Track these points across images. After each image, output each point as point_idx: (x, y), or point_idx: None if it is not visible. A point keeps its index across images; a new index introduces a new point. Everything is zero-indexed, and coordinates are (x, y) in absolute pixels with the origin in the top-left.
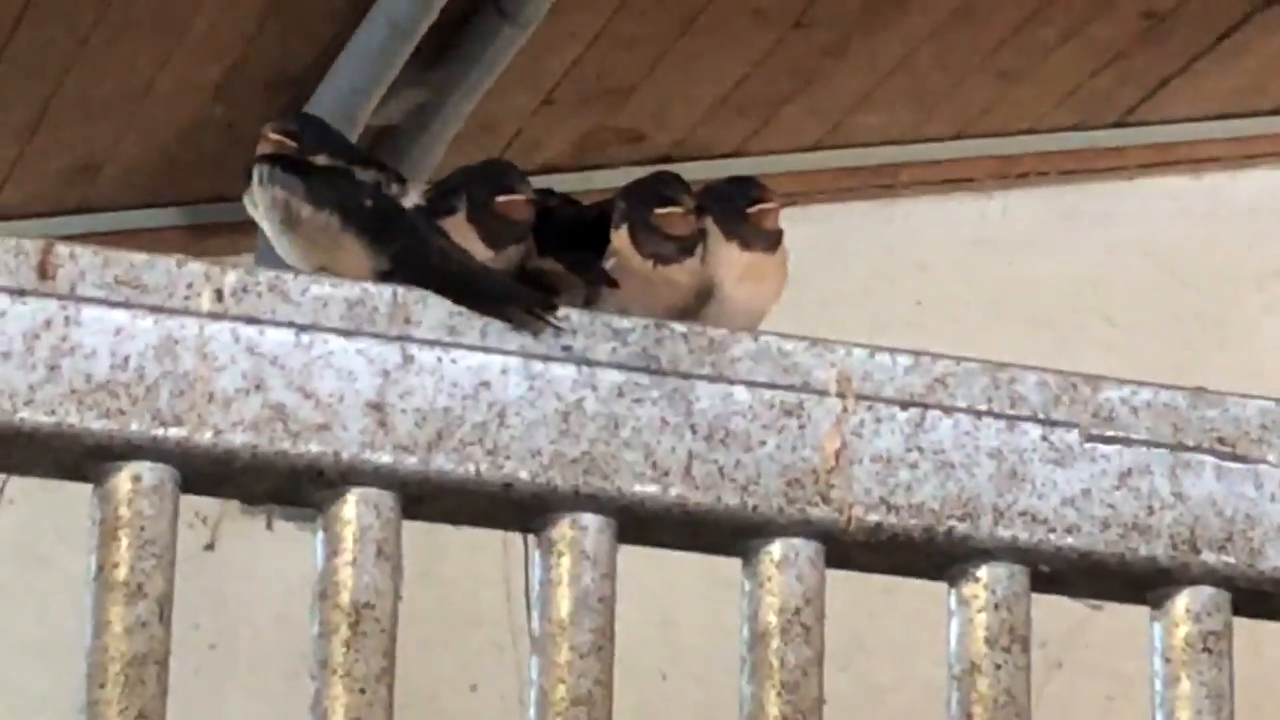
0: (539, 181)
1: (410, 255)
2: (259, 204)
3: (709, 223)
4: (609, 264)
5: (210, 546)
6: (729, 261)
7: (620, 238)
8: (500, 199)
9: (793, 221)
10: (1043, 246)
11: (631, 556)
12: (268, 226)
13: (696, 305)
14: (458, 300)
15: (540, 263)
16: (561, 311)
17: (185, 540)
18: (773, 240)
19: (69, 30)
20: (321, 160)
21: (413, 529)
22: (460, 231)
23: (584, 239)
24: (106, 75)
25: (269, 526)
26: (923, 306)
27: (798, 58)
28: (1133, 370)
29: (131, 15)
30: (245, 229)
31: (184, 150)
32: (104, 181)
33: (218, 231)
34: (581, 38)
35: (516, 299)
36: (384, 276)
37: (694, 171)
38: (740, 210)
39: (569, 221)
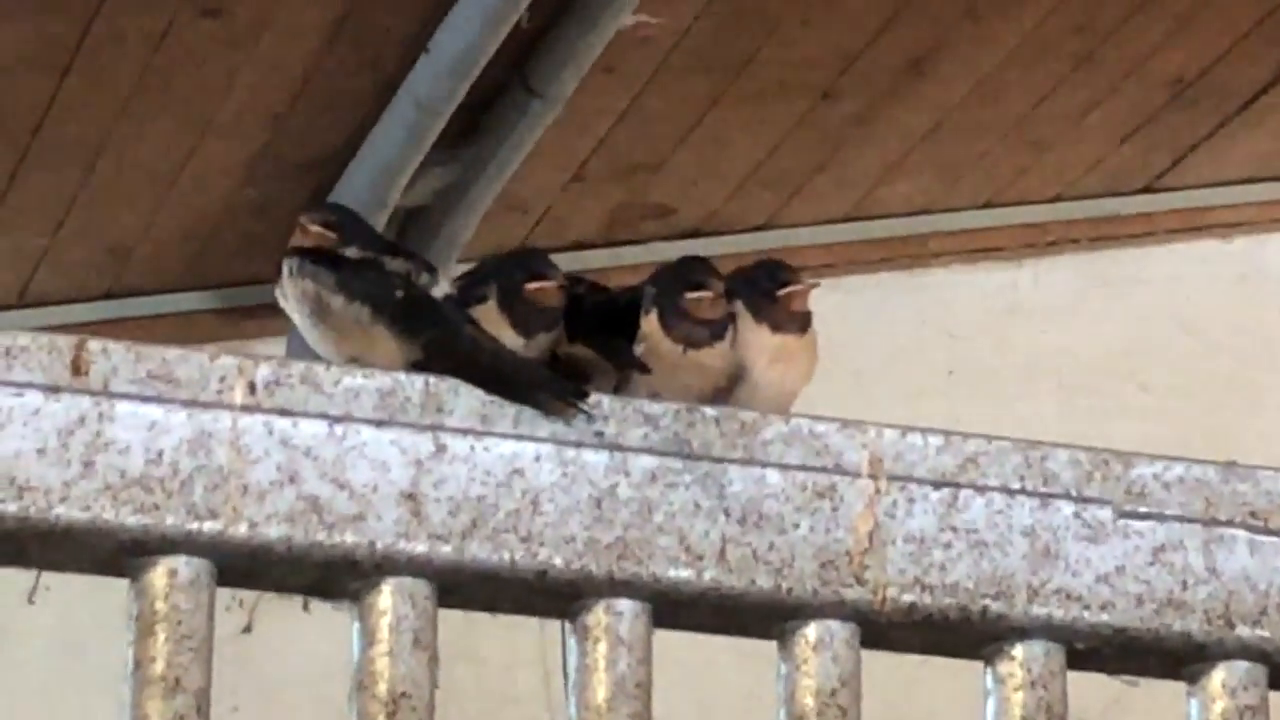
0: (569, 258)
1: (442, 344)
2: (289, 296)
3: (739, 306)
4: (640, 349)
5: (248, 629)
6: (759, 344)
7: (650, 323)
8: (531, 285)
9: (823, 293)
10: (1074, 314)
11: (667, 634)
12: (298, 319)
13: (728, 388)
14: (489, 389)
15: (571, 349)
16: (593, 398)
17: (223, 623)
18: (802, 322)
19: (98, 116)
20: (352, 252)
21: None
22: (491, 319)
23: (615, 325)
24: (136, 160)
25: (306, 608)
26: (955, 376)
27: (825, 129)
28: (1167, 436)
29: (160, 100)
30: (277, 311)
31: (214, 233)
32: (135, 266)
33: (250, 314)
34: (609, 114)
35: (548, 387)
36: (416, 366)
37: (724, 245)
38: (770, 293)
39: (599, 307)
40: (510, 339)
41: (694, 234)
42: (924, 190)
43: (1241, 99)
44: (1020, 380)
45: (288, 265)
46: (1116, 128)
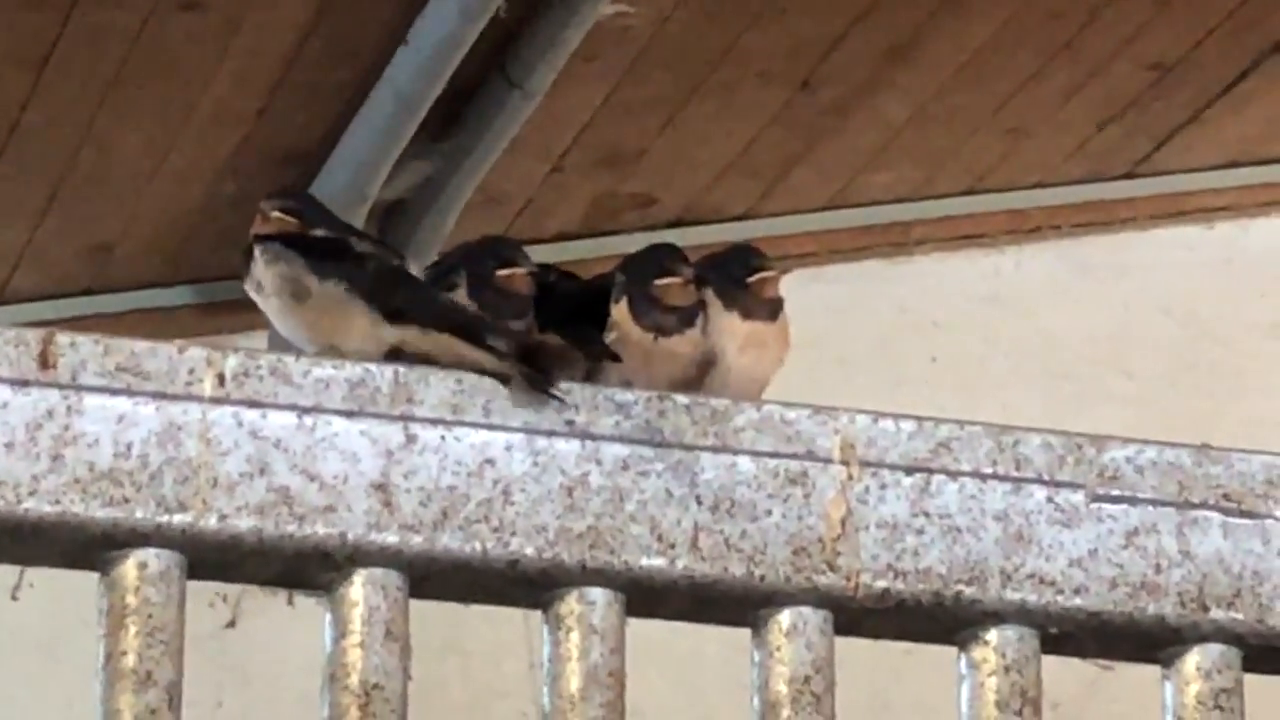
0: (550, 249)
1: (419, 302)
2: (263, 283)
3: (709, 293)
4: (610, 337)
5: (232, 624)
6: (730, 331)
7: (620, 311)
8: (501, 272)
9: (805, 282)
10: (1057, 300)
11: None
12: (274, 304)
13: (699, 376)
14: (469, 339)
15: (542, 338)
16: (564, 386)
17: (206, 619)
18: (773, 309)
19: (77, 111)
20: (320, 234)
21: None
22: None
23: (585, 313)
24: (115, 155)
25: (290, 603)
26: (938, 363)
27: (805, 118)
28: (1151, 421)
29: (139, 95)
30: (258, 305)
31: (194, 228)
32: (116, 262)
33: (231, 309)
34: (589, 104)
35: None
36: (393, 341)
37: (705, 235)
38: (740, 279)
39: (569, 296)
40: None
41: (675, 224)
42: (905, 178)
43: (1222, 83)
44: (1003, 367)
45: (259, 251)
46: (1097, 113)
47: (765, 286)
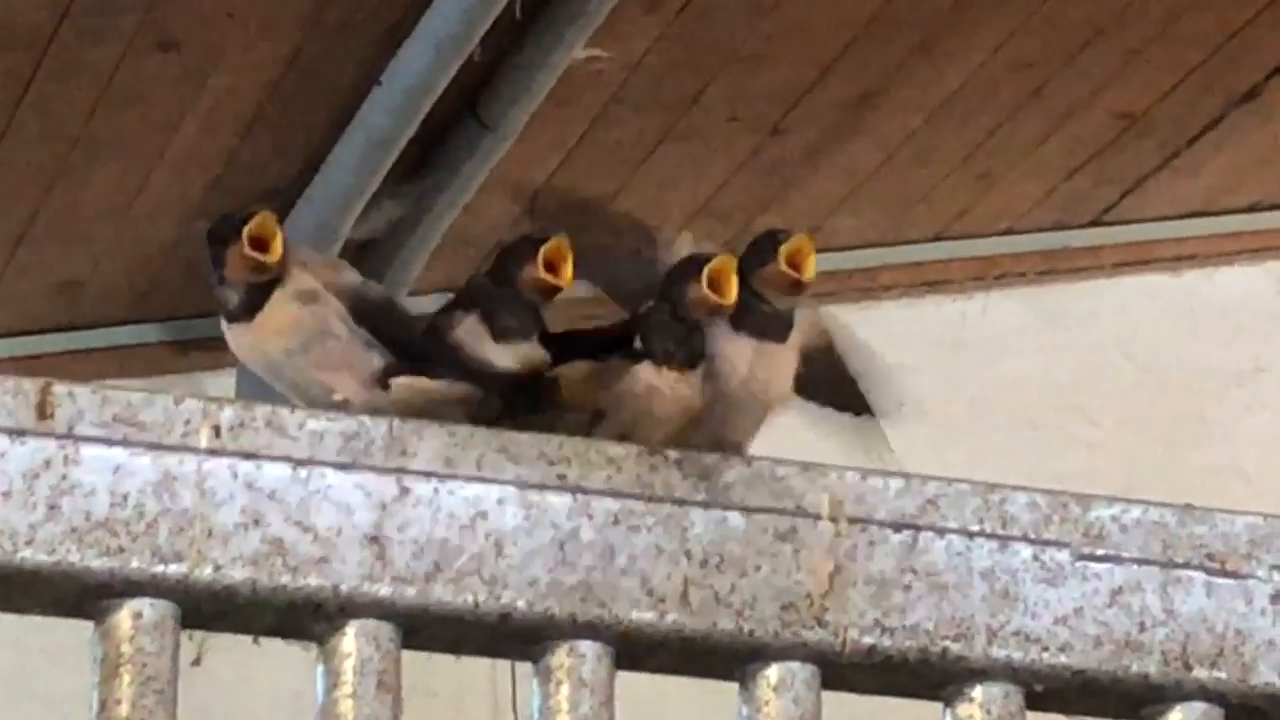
0: None
1: (413, 344)
2: (267, 327)
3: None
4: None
5: (197, 662)
6: (737, 353)
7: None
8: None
9: None
10: (1022, 347)
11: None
12: (276, 345)
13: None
14: (466, 376)
15: (566, 368)
16: (556, 440)
17: None
18: (785, 327)
19: (51, 148)
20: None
21: None
22: (469, 324)
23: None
24: (89, 193)
25: (256, 642)
26: (903, 408)
27: (775, 163)
28: (1115, 468)
29: (113, 133)
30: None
31: (167, 266)
32: (87, 299)
33: (202, 346)
34: (560, 147)
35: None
36: (385, 384)
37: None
38: (766, 257)
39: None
40: (486, 343)
41: None
42: (873, 224)
43: (1189, 133)
44: (969, 413)
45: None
46: (1065, 161)
47: (799, 260)
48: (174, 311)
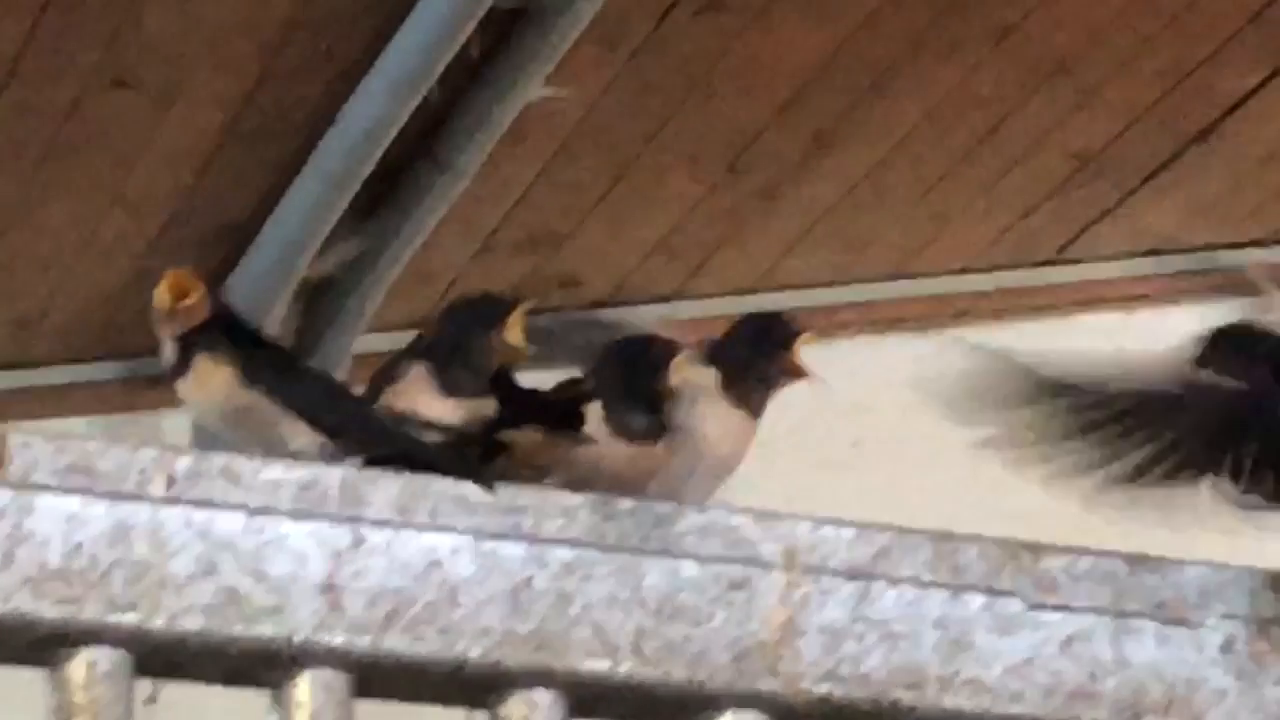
0: None
1: (356, 424)
2: (206, 382)
3: (712, 373)
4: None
5: (152, 700)
6: (717, 418)
7: (593, 416)
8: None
9: None
10: None
11: None
12: (209, 402)
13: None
14: (407, 461)
15: (518, 434)
16: (511, 489)
17: None
18: (762, 403)
19: (6, 187)
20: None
21: None
22: (418, 381)
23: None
24: (44, 231)
25: None
26: (861, 447)
27: (732, 202)
28: (1073, 506)
29: (70, 171)
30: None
31: (122, 305)
32: (44, 336)
33: (156, 384)
34: (517, 185)
35: (456, 470)
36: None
37: (631, 316)
38: (776, 347)
39: (535, 401)
40: (436, 401)
41: (601, 304)
42: (830, 262)
43: (1144, 172)
44: (926, 452)
45: (205, 355)
46: (1021, 201)
47: (796, 359)
48: (131, 349)
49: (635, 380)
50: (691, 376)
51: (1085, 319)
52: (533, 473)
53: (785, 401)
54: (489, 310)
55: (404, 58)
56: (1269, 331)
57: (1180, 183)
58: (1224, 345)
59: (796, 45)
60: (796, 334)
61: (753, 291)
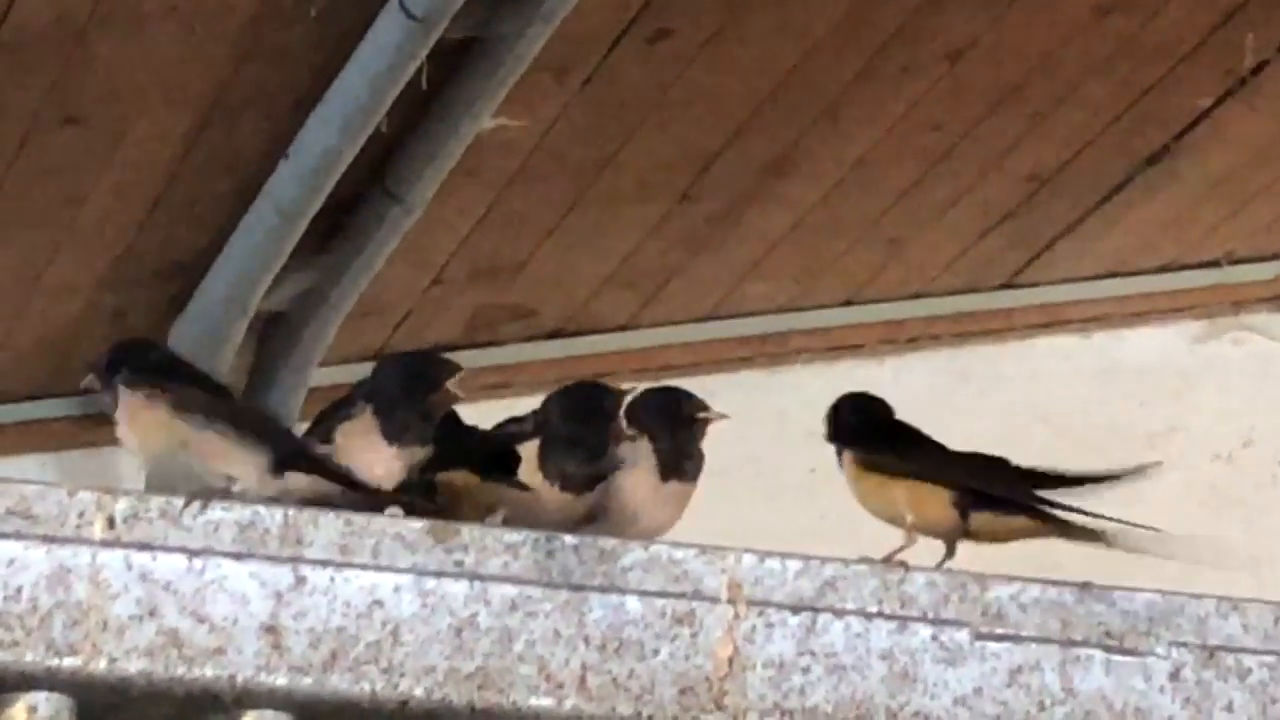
0: None
1: (297, 454)
2: (145, 421)
3: (642, 444)
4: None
5: None
6: (653, 488)
7: (529, 461)
8: (450, 381)
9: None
10: (935, 410)
11: None
12: (160, 440)
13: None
14: (349, 487)
15: (450, 475)
16: (452, 527)
17: None
18: (697, 468)
19: None
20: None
21: None
22: (363, 425)
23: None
24: None
25: None
26: (816, 474)
27: (685, 230)
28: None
29: (20, 207)
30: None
31: (74, 341)
32: None
33: (108, 421)
34: (469, 216)
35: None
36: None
37: (585, 346)
38: (685, 420)
39: (473, 440)
40: (379, 445)
41: (555, 334)
42: (783, 289)
43: (1098, 195)
44: None
45: (127, 394)
46: (975, 224)
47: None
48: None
49: (579, 428)
50: (624, 449)
51: (1042, 341)
52: (470, 511)
53: (740, 430)
54: (431, 371)
55: (354, 90)
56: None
57: (1135, 204)
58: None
59: (747, 73)
60: (703, 407)
61: (705, 319)
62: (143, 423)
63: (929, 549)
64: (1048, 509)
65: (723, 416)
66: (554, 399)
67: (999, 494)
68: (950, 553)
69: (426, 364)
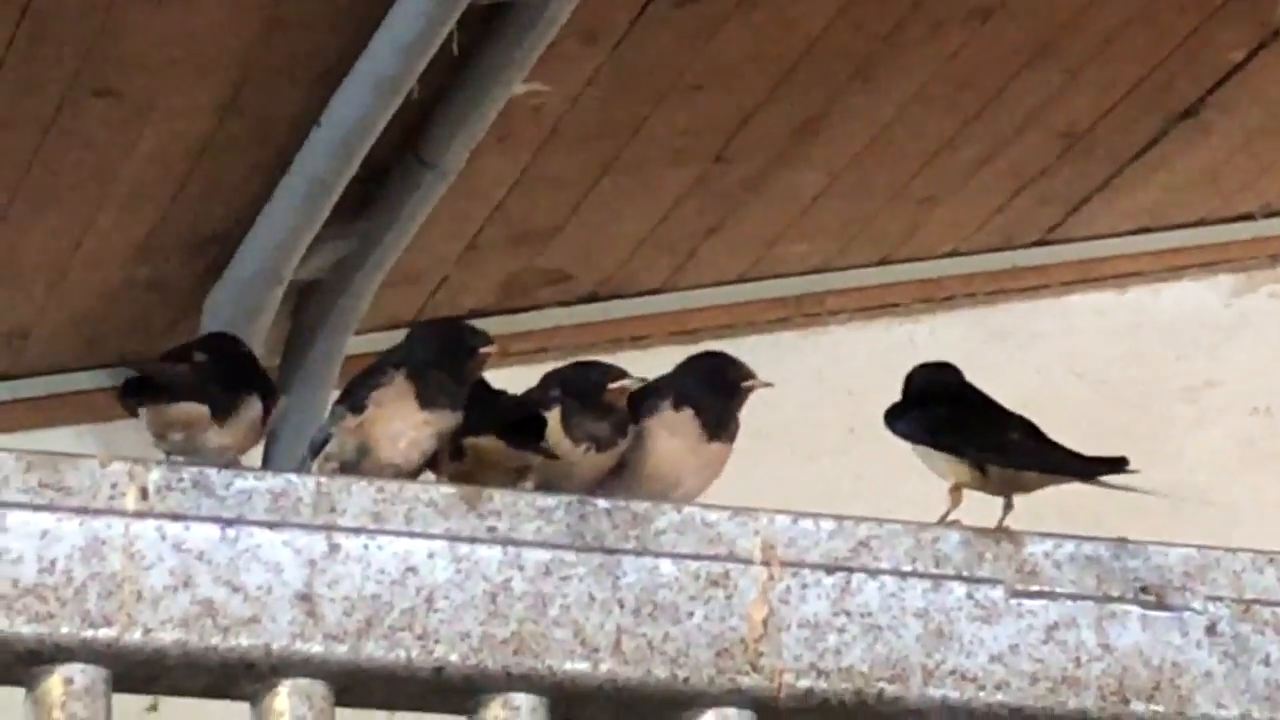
0: None
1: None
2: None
3: (686, 411)
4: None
5: (154, 708)
6: (695, 451)
7: (553, 422)
8: (612, 386)
9: None
10: (971, 368)
11: None
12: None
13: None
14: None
15: (477, 441)
16: (485, 492)
17: (128, 702)
18: (735, 431)
19: None
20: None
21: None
22: (397, 392)
23: (513, 423)
24: (30, 242)
25: None
26: (854, 434)
27: (718, 192)
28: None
29: (53, 181)
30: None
31: (110, 312)
32: (31, 348)
33: None
34: (502, 182)
35: None
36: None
37: (621, 309)
38: (731, 387)
39: (500, 406)
40: (412, 410)
41: (590, 299)
42: (818, 250)
43: (1132, 150)
44: None
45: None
46: (1009, 182)
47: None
48: (119, 357)
49: (591, 394)
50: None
51: (1077, 298)
52: (500, 476)
53: (778, 391)
54: (462, 338)
55: (384, 58)
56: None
57: (1169, 159)
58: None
59: (778, 34)
60: (749, 375)
61: (741, 281)
62: None
63: (973, 502)
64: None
65: (767, 385)
66: (562, 375)
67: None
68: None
69: (458, 331)
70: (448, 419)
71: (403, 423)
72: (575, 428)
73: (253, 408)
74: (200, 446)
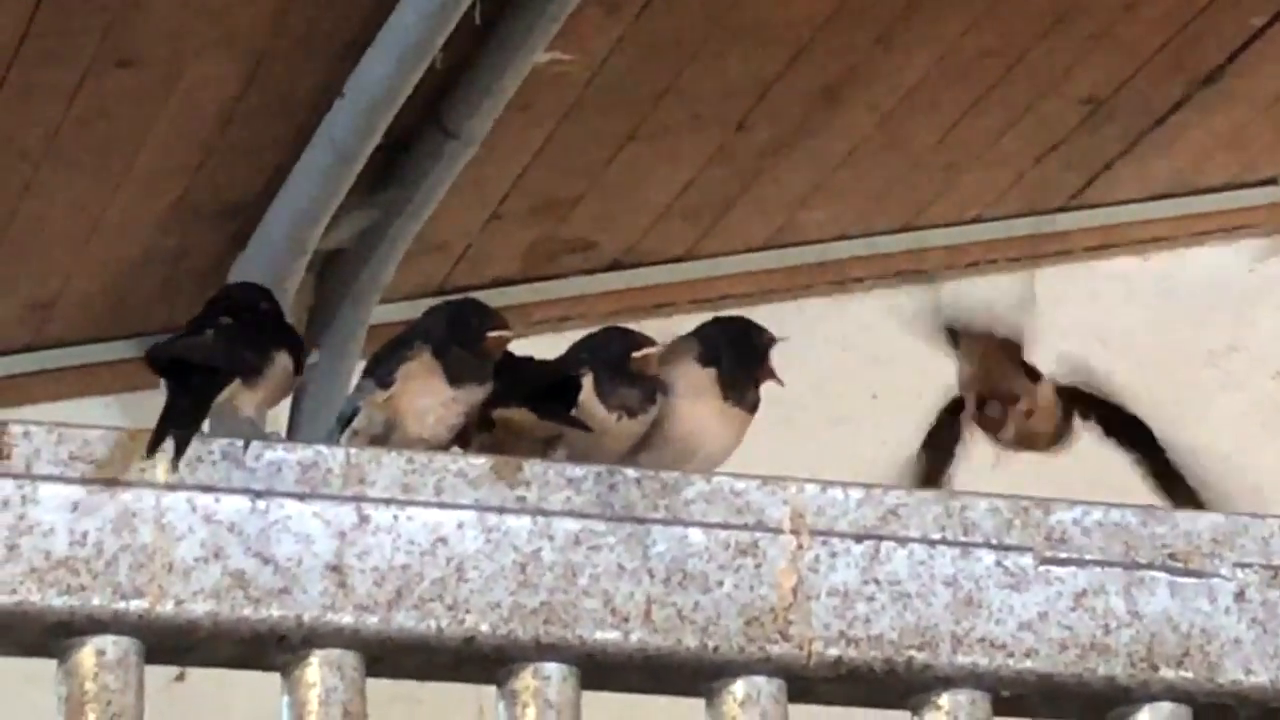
0: (489, 295)
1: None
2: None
3: (711, 372)
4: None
5: (181, 677)
6: (719, 414)
7: (586, 389)
8: (636, 355)
9: None
10: None
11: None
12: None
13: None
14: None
15: (507, 412)
16: (514, 462)
17: (155, 672)
18: (757, 400)
19: (15, 169)
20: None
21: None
22: (424, 366)
23: (543, 391)
24: (55, 213)
25: None
26: (879, 400)
27: (741, 159)
28: (1090, 452)
29: (77, 152)
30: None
31: (135, 282)
32: (56, 318)
33: None
34: (526, 150)
35: None
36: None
37: (644, 277)
38: (759, 351)
39: (528, 374)
40: (440, 388)
41: (614, 267)
42: (842, 216)
43: (1155, 115)
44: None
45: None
46: (1031, 148)
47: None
48: (144, 327)
49: (620, 361)
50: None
51: (1101, 264)
52: (529, 446)
53: (803, 357)
54: (485, 312)
55: (407, 28)
56: None
57: (1191, 124)
58: None
59: (800, 1)
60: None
61: (765, 248)
62: None
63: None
64: None
65: (784, 339)
66: (591, 342)
67: None
68: None
69: (480, 306)
70: (475, 394)
71: (431, 398)
72: (608, 395)
73: (281, 363)
74: (234, 412)
